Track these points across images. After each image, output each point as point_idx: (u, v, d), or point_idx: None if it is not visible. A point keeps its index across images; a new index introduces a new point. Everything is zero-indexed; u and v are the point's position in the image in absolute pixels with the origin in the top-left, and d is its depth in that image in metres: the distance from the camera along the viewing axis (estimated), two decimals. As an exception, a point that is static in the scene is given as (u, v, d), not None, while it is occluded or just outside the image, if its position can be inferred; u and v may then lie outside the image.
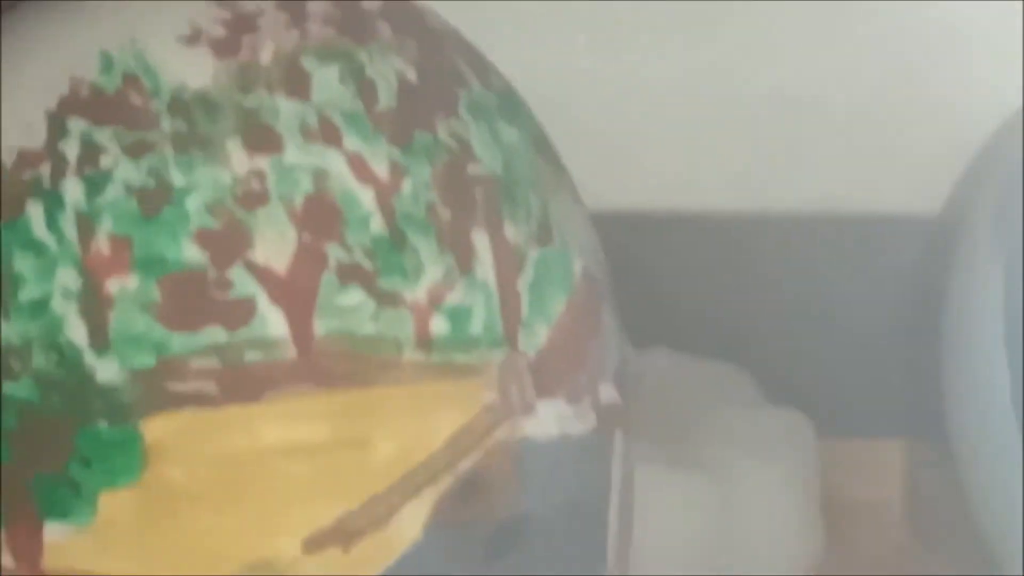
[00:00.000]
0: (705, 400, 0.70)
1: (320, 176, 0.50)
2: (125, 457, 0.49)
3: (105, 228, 0.49)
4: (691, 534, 0.67)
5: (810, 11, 0.75)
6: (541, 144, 0.53)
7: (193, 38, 0.51)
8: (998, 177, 0.66)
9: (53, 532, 0.49)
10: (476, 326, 0.51)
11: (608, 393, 0.53)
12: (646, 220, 0.73)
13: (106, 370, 0.49)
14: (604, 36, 0.73)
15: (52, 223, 0.50)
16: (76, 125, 0.50)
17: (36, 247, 0.50)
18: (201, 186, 0.50)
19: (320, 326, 0.49)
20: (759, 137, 0.74)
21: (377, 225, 0.50)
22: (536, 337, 0.52)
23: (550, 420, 0.52)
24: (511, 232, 0.52)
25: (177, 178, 0.50)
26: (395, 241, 0.50)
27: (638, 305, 0.66)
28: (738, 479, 0.68)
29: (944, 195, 0.71)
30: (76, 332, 0.49)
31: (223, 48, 0.51)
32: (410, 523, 0.50)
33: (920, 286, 0.67)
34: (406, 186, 0.51)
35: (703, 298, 0.74)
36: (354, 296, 0.50)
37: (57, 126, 0.50)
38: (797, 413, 0.68)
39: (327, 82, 0.51)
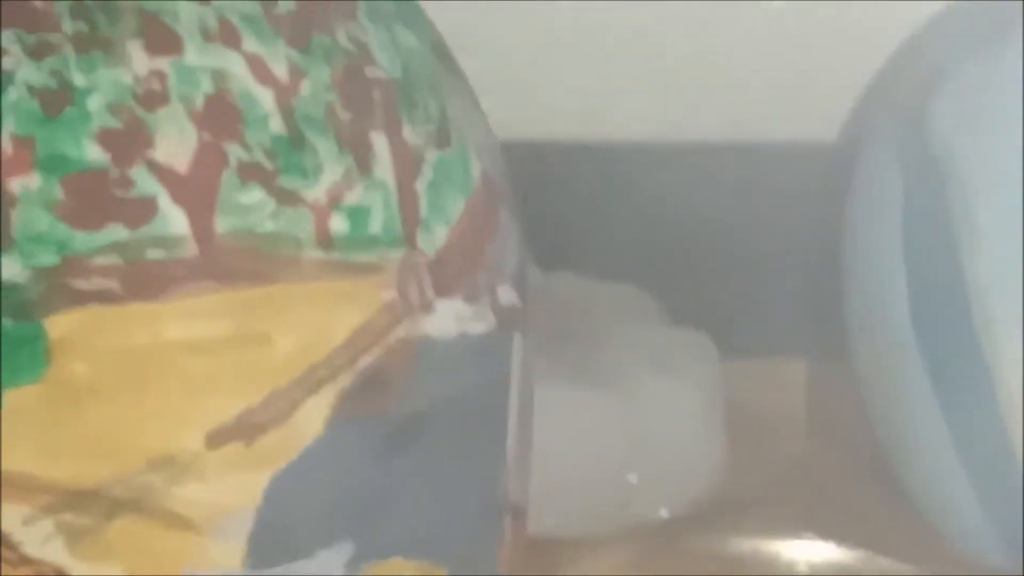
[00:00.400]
0: (609, 320, 0.69)
1: (220, 77, 0.50)
2: (29, 354, 0.49)
3: (8, 128, 0.49)
4: (594, 444, 0.67)
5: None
6: (439, 50, 0.53)
7: None
8: (894, 102, 0.66)
9: None
10: (375, 225, 0.51)
11: (507, 295, 0.53)
12: (555, 149, 0.74)
13: (9, 268, 0.48)
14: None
15: None
16: None
17: None
18: (102, 87, 0.49)
19: (221, 224, 0.49)
20: (664, 68, 0.74)
21: (276, 125, 0.50)
22: (434, 237, 0.52)
23: (449, 319, 0.52)
24: (409, 134, 0.52)
25: (79, 79, 0.49)
26: (294, 141, 0.50)
27: (546, 232, 0.66)
28: (641, 392, 0.68)
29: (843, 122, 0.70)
30: None
31: None
32: (312, 418, 0.50)
33: (823, 210, 0.67)
34: (305, 87, 0.51)
35: (610, 226, 0.74)
36: (254, 194, 0.50)
37: None
38: (699, 333, 0.69)
39: None
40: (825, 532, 0.65)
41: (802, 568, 0.63)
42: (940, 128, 0.64)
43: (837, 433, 0.69)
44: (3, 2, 0.50)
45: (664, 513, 0.66)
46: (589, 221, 0.72)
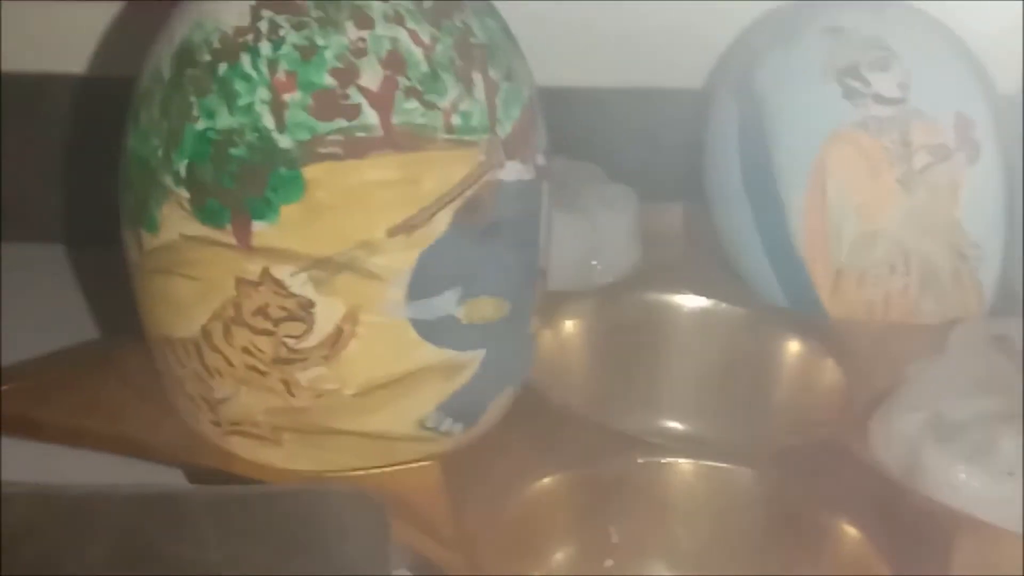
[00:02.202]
0: (580, 179, 0.70)
1: (394, 41, 0.52)
2: (295, 186, 0.51)
3: (283, 67, 0.51)
4: (572, 247, 0.65)
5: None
6: (506, 31, 0.56)
7: None
8: (733, 67, 0.69)
9: (257, 226, 0.51)
10: (475, 121, 0.53)
11: (540, 159, 0.56)
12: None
13: (284, 141, 0.51)
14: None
15: (255, 64, 0.51)
16: (266, 13, 0.52)
17: (246, 77, 0.51)
18: (332, 45, 0.51)
19: (395, 118, 0.51)
20: (560, 21, 0.71)
21: (424, 67, 0.52)
22: (505, 128, 0.53)
23: (512, 171, 0.54)
24: (492, 74, 0.54)
25: (320, 40, 0.51)
26: (433, 76, 0.52)
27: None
28: (597, 216, 0.67)
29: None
30: (268, 120, 0.51)
31: None
32: (441, 222, 0.52)
33: (694, 127, 0.69)
34: (439, 48, 0.52)
35: (581, 132, 0.71)
36: (412, 103, 0.52)
37: (255, 14, 0.52)
38: (627, 187, 0.69)
39: None
40: (699, 291, 0.66)
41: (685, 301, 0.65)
42: (759, 82, 0.66)
43: (703, 243, 0.69)
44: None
45: (609, 278, 0.66)
46: (570, 133, 0.66)
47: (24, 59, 0.71)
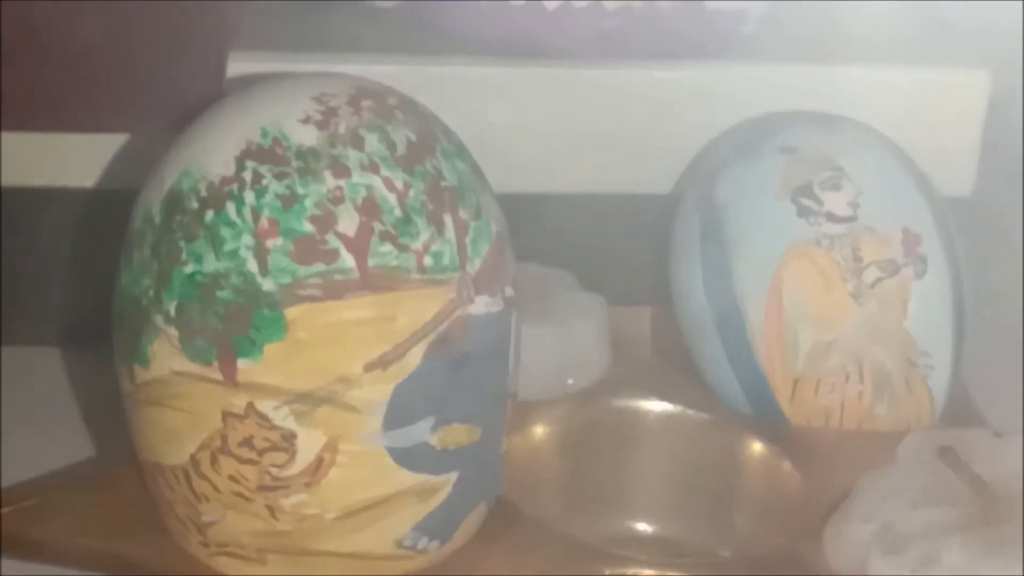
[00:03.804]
0: (553, 288, 0.70)
1: (369, 188, 0.53)
2: (277, 326, 0.52)
3: (266, 215, 0.52)
4: (543, 359, 0.66)
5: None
6: (476, 170, 0.57)
7: (306, 120, 0.53)
8: (697, 178, 0.70)
9: (242, 363, 0.52)
10: (446, 260, 0.53)
11: (509, 291, 0.56)
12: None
13: (267, 284, 0.52)
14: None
15: (239, 212, 0.52)
16: (250, 164, 0.53)
17: (231, 224, 0.52)
18: (312, 194, 0.52)
19: (371, 261, 0.52)
20: (540, 130, 0.72)
21: (397, 212, 0.53)
22: (475, 265, 0.54)
23: (482, 305, 0.54)
24: (462, 214, 0.54)
25: (300, 190, 0.52)
26: (406, 219, 0.53)
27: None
28: (571, 328, 0.68)
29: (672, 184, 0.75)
30: (252, 265, 0.52)
31: (321, 125, 0.53)
32: (415, 356, 0.53)
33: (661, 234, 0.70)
34: (411, 193, 0.53)
35: (551, 241, 0.72)
36: (387, 247, 0.52)
37: (240, 164, 0.53)
38: (597, 295, 0.70)
39: (372, 141, 0.53)
40: (666, 396, 0.67)
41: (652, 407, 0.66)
42: (720, 195, 0.67)
43: (670, 348, 0.69)
44: (262, 151, 0.52)
45: (577, 385, 0.67)
46: (543, 239, 0.70)
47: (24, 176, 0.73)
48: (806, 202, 0.67)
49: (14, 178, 0.71)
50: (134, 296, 0.55)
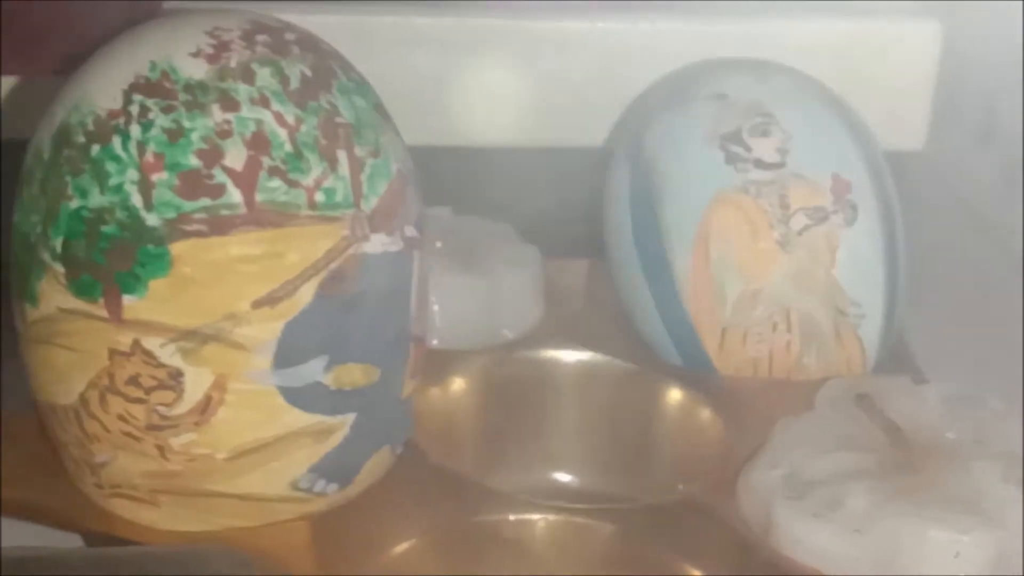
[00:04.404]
0: (489, 240, 0.71)
1: (259, 123, 0.53)
2: (161, 262, 0.52)
3: (151, 149, 0.52)
4: (473, 308, 0.67)
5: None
6: (378, 107, 0.56)
7: (196, 54, 0.53)
8: (627, 130, 0.70)
9: (127, 300, 0.52)
10: (339, 197, 0.53)
11: (410, 231, 0.56)
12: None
13: (152, 219, 0.52)
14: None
15: (124, 146, 0.52)
16: (137, 97, 0.53)
17: (116, 158, 0.52)
18: (198, 128, 0.52)
19: (258, 197, 0.52)
20: (503, 93, 0.73)
21: (288, 147, 0.53)
22: (370, 203, 0.54)
23: (378, 244, 0.54)
24: (358, 151, 0.54)
25: (187, 124, 0.52)
26: (296, 155, 0.53)
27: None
28: (502, 277, 0.68)
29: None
30: (136, 200, 0.52)
31: (212, 59, 0.53)
32: (305, 294, 0.53)
33: (594, 185, 0.70)
34: (303, 128, 0.53)
35: (488, 190, 0.74)
36: (275, 182, 0.52)
37: (127, 97, 0.53)
38: (532, 246, 0.70)
39: (264, 76, 0.53)
40: (594, 347, 0.66)
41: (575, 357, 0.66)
42: (649, 143, 0.67)
43: (603, 300, 0.69)
44: (150, 85, 0.52)
45: (509, 335, 0.67)
46: (482, 191, 0.72)
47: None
48: (734, 148, 0.66)
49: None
50: (24, 233, 0.55)
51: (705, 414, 0.64)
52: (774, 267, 0.65)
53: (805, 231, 0.65)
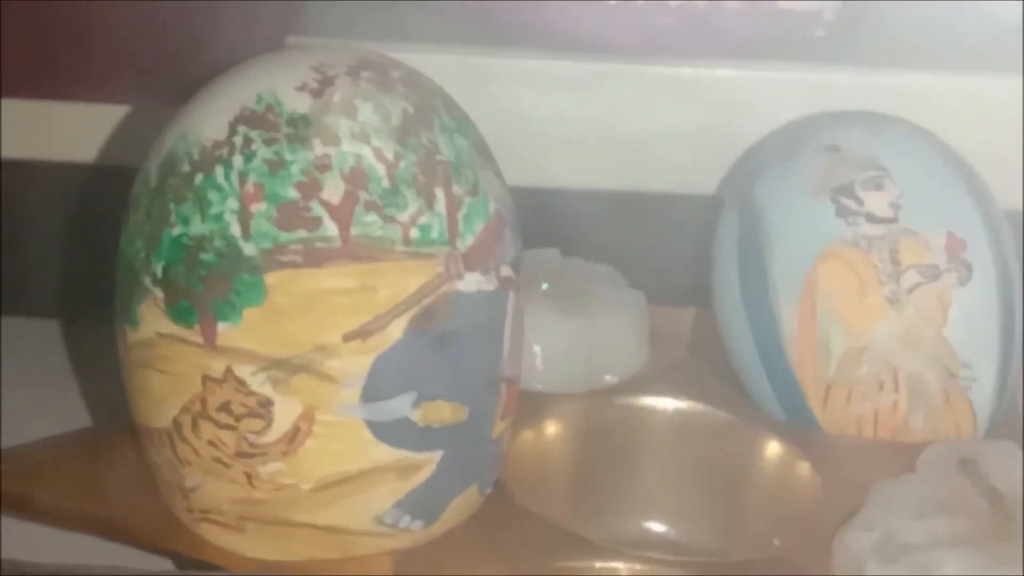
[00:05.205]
0: (595, 283, 0.70)
1: (358, 158, 0.53)
2: (256, 292, 0.52)
3: (252, 180, 0.52)
4: (574, 351, 0.66)
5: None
6: (480, 147, 0.56)
7: (302, 88, 0.54)
8: (737, 181, 0.69)
9: (222, 327, 0.52)
10: (434, 234, 0.53)
11: (506, 271, 0.56)
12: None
13: (249, 248, 0.52)
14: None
15: (226, 176, 0.52)
16: (241, 128, 0.53)
17: (218, 187, 0.52)
18: (299, 160, 0.52)
19: (354, 231, 0.52)
20: (602, 137, 0.72)
21: (386, 182, 0.53)
22: (466, 241, 0.54)
23: (472, 283, 0.54)
24: (456, 189, 0.54)
25: (288, 156, 0.52)
26: (394, 190, 0.53)
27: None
28: (603, 322, 0.67)
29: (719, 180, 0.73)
30: (235, 229, 0.52)
31: (316, 93, 0.53)
32: (397, 329, 0.53)
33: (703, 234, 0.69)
34: (402, 164, 0.53)
35: (596, 235, 0.73)
36: (372, 217, 0.52)
37: (232, 128, 0.53)
38: (637, 290, 0.69)
39: (366, 111, 0.53)
40: (694, 396, 0.65)
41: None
42: (759, 194, 0.66)
43: (707, 348, 0.68)
44: (254, 117, 0.52)
45: (610, 380, 0.66)
46: (588, 237, 0.71)
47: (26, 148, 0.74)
48: (845, 201, 0.64)
49: (15, 151, 0.72)
50: (128, 258, 0.56)
51: (804, 470, 0.63)
52: (882, 324, 0.63)
53: (916, 288, 0.63)
